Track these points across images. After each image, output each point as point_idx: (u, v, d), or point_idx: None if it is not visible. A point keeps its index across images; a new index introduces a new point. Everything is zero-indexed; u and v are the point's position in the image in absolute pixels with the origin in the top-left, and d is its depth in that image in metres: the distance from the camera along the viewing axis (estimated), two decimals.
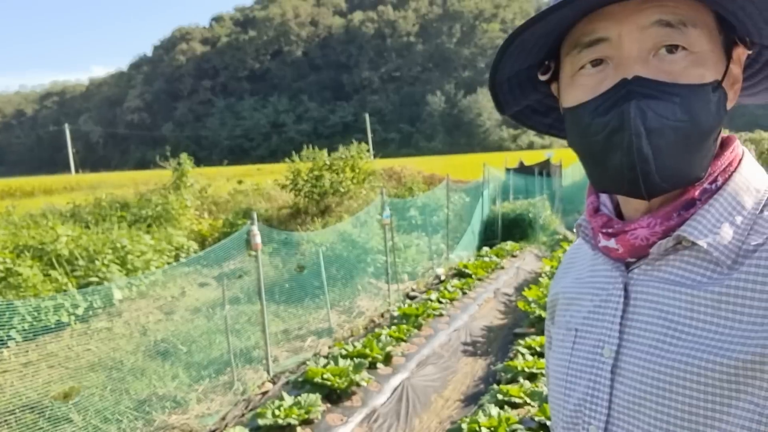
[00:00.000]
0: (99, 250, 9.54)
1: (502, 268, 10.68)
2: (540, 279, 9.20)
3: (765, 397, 0.67)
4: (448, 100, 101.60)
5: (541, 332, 6.86)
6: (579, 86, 0.79)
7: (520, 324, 7.59)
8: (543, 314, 7.07)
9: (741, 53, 0.79)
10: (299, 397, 4.97)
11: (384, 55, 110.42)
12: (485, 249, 12.06)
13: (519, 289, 9.58)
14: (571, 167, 23.20)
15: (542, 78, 0.86)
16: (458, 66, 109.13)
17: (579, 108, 0.78)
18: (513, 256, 11.73)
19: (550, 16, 0.72)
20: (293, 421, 4.65)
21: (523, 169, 18.95)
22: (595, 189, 0.87)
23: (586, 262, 0.96)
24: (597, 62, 0.77)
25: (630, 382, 0.77)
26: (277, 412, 4.73)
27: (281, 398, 4.97)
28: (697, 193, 0.78)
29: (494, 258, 11.08)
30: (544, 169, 17.97)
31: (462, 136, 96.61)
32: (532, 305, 7.42)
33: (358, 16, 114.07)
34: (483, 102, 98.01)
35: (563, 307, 0.97)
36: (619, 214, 0.88)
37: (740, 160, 0.81)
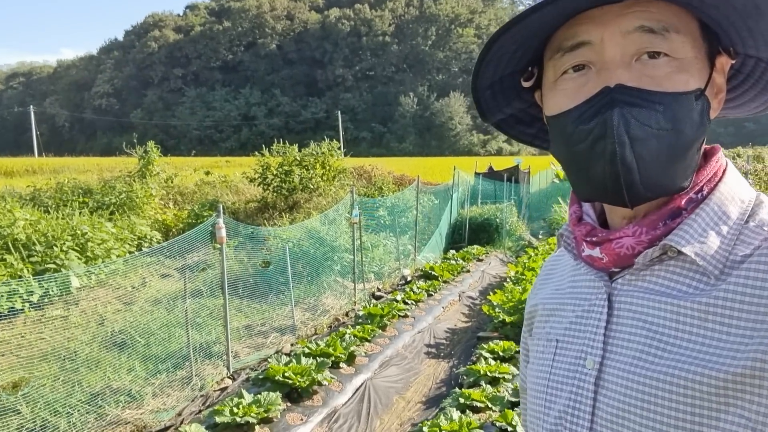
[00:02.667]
0: (58, 236, 9.26)
1: (468, 271, 10.71)
2: (505, 284, 9.25)
3: (755, 411, 0.66)
4: (421, 102, 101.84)
5: (504, 337, 6.88)
6: (561, 91, 0.78)
7: (483, 328, 7.61)
8: (507, 319, 7.10)
9: (725, 62, 0.78)
10: (259, 395, 4.88)
11: (359, 53, 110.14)
12: (452, 252, 12.09)
13: (483, 293, 9.63)
14: (538, 175, 23.50)
15: (525, 84, 0.84)
16: (432, 69, 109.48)
17: (562, 116, 0.77)
18: (479, 260, 11.79)
19: (530, 17, 0.71)
20: (252, 420, 4.56)
21: (492, 174, 19.08)
22: (579, 198, 0.84)
23: (566, 273, 0.94)
24: (579, 67, 0.76)
25: (614, 394, 0.75)
26: (235, 409, 4.63)
27: (240, 395, 4.87)
28: (683, 202, 0.77)
29: (460, 261, 11.11)
30: (513, 175, 18.12)
31: (433, 139, 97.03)
32: (497, 310, 7.44)
33: (334, 12, 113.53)
34: (455, 106, 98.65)
35: (542, 318, 0.95)
36: (603, 224, 0.86)
37: (724, 171, 0.80)
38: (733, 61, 0.79)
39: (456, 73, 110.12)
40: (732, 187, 0.79)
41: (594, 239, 0.82)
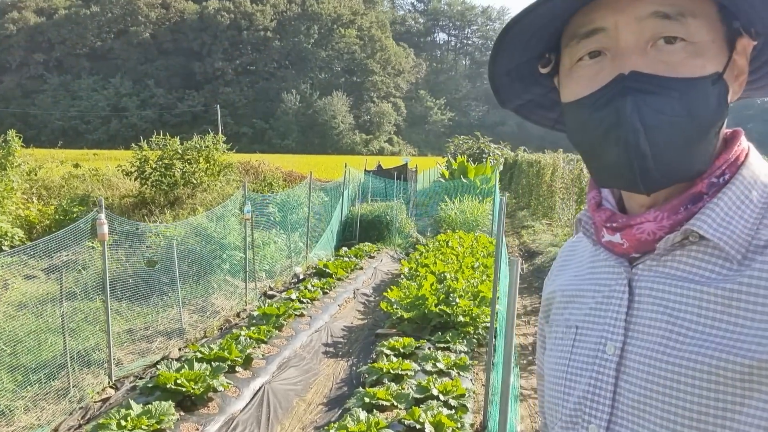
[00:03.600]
0: None
1: (361, 268, 10.64)
2: (399, 280, 9.27)
3: None
4: (303, 100, 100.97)
5: (403, 333, 6.86)
6: (576, 78, 0.78)
7: (380, 324, 7.56)
8: (405, 315, 7.09)
9: (746, 44, 0.77)
10: (149, 405, 4.48)
11: (239, 47, 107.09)
12: (344, 249, 11.99)
13: (377, 290, 9.60)
14: (422, 174, 23.99)
15: (543, 71, 0.84)
16: (314, 67, 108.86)
17: (577, 103, 0.78)
18: (371, 257, 11.77)
19: (542, 7, 0.71)
20: None
21: (381, 172, 19.20)
22: (597, 184, 0.85)
23: (585, 258, 0.93)
24: (595, 54, 0.76)
25: (636, 380, 0.75)
26: (123, 422, 4.22)
27: (128, 406, 4.45)
28: (704, 186, 0.77)
29: (353, 258, 11.03)
30: (402, 173, 18.33)
31: (316, 137, 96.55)
32: (395, 306, 7.41)
33: (213, 4, 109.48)
34: (338, 105, 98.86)
35: (561, 305, 0.94)
36: (622, 209, 0.86)
37: (747, 155, 0.80)
38: (755, 42, 0.77)
39: (339, 72, 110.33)
40: (754, 170, 0.78)
41: (614, 225, 0.81)
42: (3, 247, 9.85)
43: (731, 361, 0.67)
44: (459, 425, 4.47)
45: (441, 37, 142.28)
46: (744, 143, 0.81)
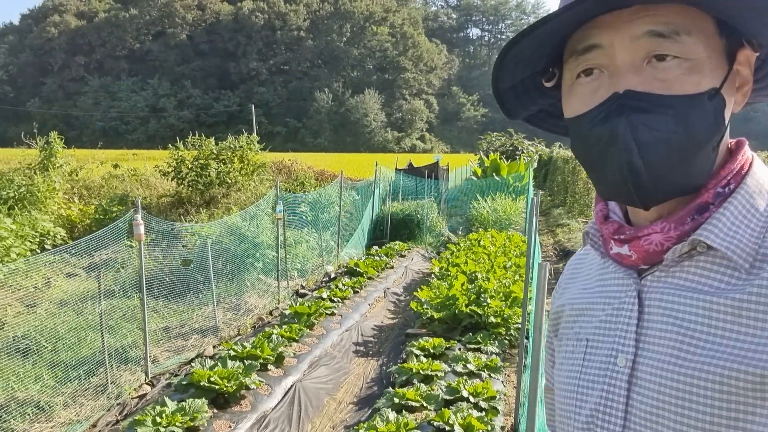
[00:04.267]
0: None
1: (392, 267, 10.67)
2: (430, 280, 9.27)
3: None
4: (336, 99, 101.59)
5: (433, 333, 6.86)
6: (575, 95, 0.80)
7: (411, 324, 7.57)
8: (435, 315, 7.09)
9: (749, 54, 0.78)
10: (183, 402, 4.58)
11: (273, 47, 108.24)
12: (375, 248, 12.03)
13: (407, 289, 9.62)
14: (454, 172, 23.89)
15: (547, 85, 0.86)
16: (347, 65, 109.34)
17: (576, 119, 0.80)
18: (401, 256, 11.78)
19: (540, 29, 0.73)
20: (177, 429, 4.28)
21: (412, 171, 19.18)
22: (600, 197, 0.87)
23: (593, 271, 0.94)
24: (589, 72, 0.78)
25: (648, 392, 0.76)
26: (158, 419, 4.32)
27: (163, 403, 4.55)
28: (710, 197, 0.78)
29: (384, 257, 11.06)
30: (433, 171, 18.30)
31: (348, 135, 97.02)
32: (425, 306, 7.42)
33: (248, 4, 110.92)
34: (370, 103, 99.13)
35: (570, 319, 0.94)
36: (629, 221, 0.87)
37: (750, 164, 0.81)
38: (758, 53, 0.78)
39: (371, 71, 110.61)
40: (759, 179, 0.79)
41: (622, 237, 0.82)
42: (45, 246, 10.16)
43: (743, 371, 0.68)
44: (489, 428, 4.45)
45: (474, 32, 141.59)
46: (748, 153, 0.82)
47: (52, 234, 10.74)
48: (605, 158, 0.75)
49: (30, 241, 9.65)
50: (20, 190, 11.99)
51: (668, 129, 0.72)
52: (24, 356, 5.62)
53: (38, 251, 9.33)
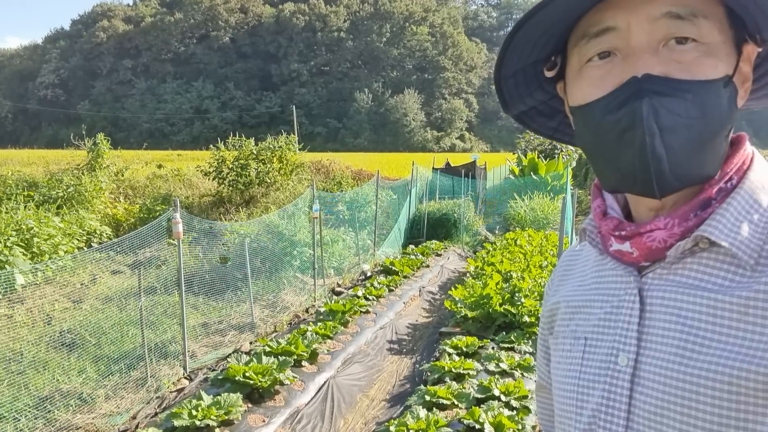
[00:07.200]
0: (1, 231, 8.78)
1: (427, 266, 10.68)
2: (465, 279, 9.24)
3: None
4: (376, 99, 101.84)
5: (467, 332, 6.85)
6: (586, 79, 0.77)
7: (445, 323, 7.57)
8: (469, 314, 7.08)
9: (751, 51, 0.77)
10: (219, 397, 4.69)
11: (314, 48, 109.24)
12: (411, 247, 12.06)
13: (443, 288, 9.61)
14: (492, 171, 23.72)
15: (548, 74, 0.85)
16: (386, 66, 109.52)
17: (588, 106, 0.77)
18: (437, 255, 11.78)
19: (557, 1, 0.71)
20: (212, 422, 4.38)
21: (449, 170, 19.15)
22: (606, 188, 0.83)
23: (588, 268, 0.92)
24: (605, 54, 0.75)
25: (652, 391, 0.74)
26: (194, 412, 4.44)
27: (199, 397, 4.68)
28: (713, 192, 0.76)
29: (420, 256, 11.08)
30: (470, 171, 18.22)
31: (388, 135, 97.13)
32: (459, 305, 7.41)
33: (289, 7, 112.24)
34: (409, 103, 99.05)
35: (566, 316, 0.92)
36: (627, 217, 0.86)
37: (752, 159, 0.80)
38: (760, 49, 0.78)
39: (410, 70, 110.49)
40: (761, 175, 0.78)
41: (623, 233, 0.80)
42: (92, 243, 10.52)
43: (752, 371, 0.66)
44: (520, 427, 4.43)
45: None
46: (749, 148, 0.81)
47: (98, 232, 11.12)
48: (622, 144, 0.73)
49: (77, 239, 10.01)
50: (68, 190, 12.45)
51: (688, 114, 0.70)
52: (69, 350, 5.84)
53: (85, 249, 9.66)
